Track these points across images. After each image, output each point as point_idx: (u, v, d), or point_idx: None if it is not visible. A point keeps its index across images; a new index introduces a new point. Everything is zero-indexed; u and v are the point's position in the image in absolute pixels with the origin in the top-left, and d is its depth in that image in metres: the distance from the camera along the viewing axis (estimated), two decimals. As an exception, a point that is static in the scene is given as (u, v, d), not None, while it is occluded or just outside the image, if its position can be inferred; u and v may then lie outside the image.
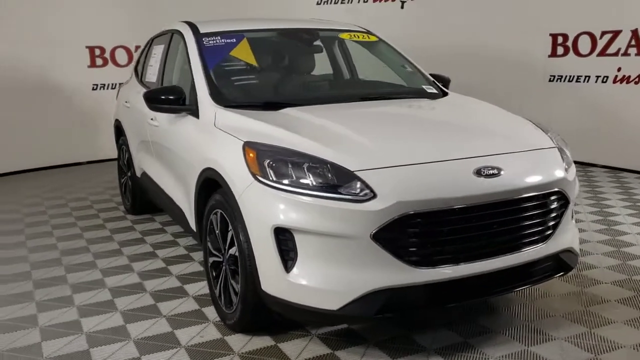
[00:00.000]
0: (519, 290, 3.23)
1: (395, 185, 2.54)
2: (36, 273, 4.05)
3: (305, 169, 2.62)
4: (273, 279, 2.68)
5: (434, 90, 3.93)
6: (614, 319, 3.13)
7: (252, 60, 3.93)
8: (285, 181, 2.63)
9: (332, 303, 2.56)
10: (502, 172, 2.70)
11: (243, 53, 3.89)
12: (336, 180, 2.58)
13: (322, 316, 2.66)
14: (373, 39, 4.42)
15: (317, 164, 2.63)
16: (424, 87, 3.98)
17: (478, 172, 2.66)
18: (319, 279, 2.56)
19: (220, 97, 3.46)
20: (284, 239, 2.61)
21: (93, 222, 5.31)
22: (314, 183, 2.59)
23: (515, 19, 7.41)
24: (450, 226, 2.57)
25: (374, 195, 2.51)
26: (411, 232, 2.53)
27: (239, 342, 3.01)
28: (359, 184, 2.54)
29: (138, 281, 3.86)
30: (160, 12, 7.70)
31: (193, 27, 4.05)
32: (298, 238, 2.58)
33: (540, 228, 2.81)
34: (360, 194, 2.52)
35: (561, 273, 3.02)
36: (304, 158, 2.67)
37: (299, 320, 3.08)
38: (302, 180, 2.61)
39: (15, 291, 3.76)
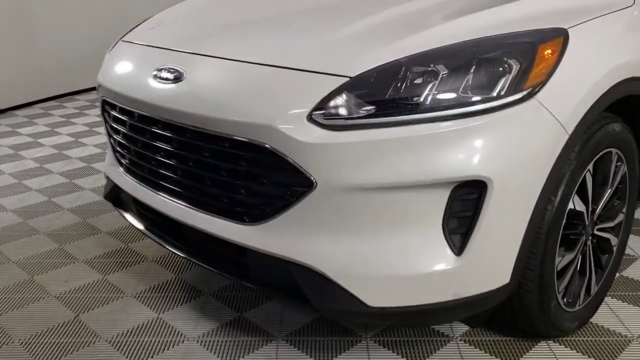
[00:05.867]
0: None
1: (111, 64, 2.18)
2: None
3: None
4: None
5: None
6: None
7: None
8: None
9: None
10: (180, 81, 1.80)
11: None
12: None
13: None
14: None
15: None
16: None
17: (157, 72, 1.88)
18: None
19: None
20: None
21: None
22: None
23: None
24: (128, 131, 2.02)
25: None
26: (107, 126, 2.17)
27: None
28: None
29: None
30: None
31: None
32: None
33: (232, 195, 1.71)
34: None
35: (300, 300, 1.70)
36: None
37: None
38: None
39: None
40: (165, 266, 2.56)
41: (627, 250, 2.60)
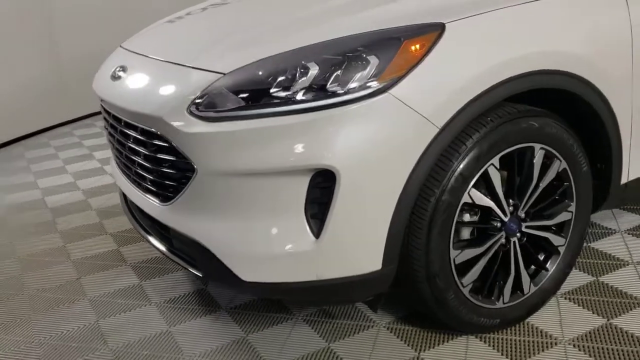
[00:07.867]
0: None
1: (101, 68, 2.43)
2: None
3: None
4: None
5: None
6: None
7: None
8: None
9: None
10: (122, 76, 2.12)
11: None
12: None
13: None
14: None
15: None
16: None
17: (114, 71, 2.18)
18: None
19: None
20: None
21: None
22: None
23: None
24: (104, 125, 2.35)
25: None
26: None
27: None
28: None
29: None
30: None
31: None
32: None
33: (151, 177, 1.98)
34: None
35: (193, 270, 1.96)
36: None
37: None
38: None
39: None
40: (170, 242, 2.90)
41: (623, 255, 2.44)
